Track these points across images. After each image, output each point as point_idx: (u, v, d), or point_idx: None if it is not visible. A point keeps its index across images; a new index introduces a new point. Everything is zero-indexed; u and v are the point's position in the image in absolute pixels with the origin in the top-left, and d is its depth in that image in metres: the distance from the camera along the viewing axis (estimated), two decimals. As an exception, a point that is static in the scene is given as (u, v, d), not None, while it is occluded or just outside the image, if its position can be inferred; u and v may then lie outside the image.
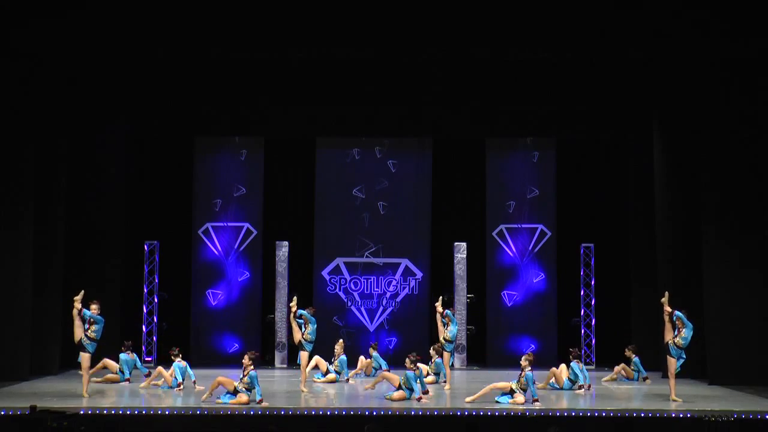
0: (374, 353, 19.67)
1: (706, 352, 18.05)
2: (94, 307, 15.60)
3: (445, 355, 17.35)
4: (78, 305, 15.44)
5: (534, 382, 15.08)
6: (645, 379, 18.66)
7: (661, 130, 19.98)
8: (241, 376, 14.94)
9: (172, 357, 17.52)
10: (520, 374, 15.06)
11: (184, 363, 17.43)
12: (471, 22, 18.77)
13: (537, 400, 14.80)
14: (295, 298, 17.20)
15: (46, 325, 18.61)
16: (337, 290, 22.26)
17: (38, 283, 18.28)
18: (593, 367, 21.34)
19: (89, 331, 15.51)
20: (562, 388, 17.19)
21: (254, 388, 14.70)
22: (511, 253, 22.40)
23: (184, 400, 15.60)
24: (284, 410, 14.14)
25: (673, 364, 15.40)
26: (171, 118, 21.88)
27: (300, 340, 16.80)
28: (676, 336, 15.44)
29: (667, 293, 16.00)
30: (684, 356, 15.46)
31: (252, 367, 14.94)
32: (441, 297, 18.05)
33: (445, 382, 17.30)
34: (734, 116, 17.87)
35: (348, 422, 13.43)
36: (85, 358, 15.57)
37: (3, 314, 17.69)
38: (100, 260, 20.60)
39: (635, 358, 18.97)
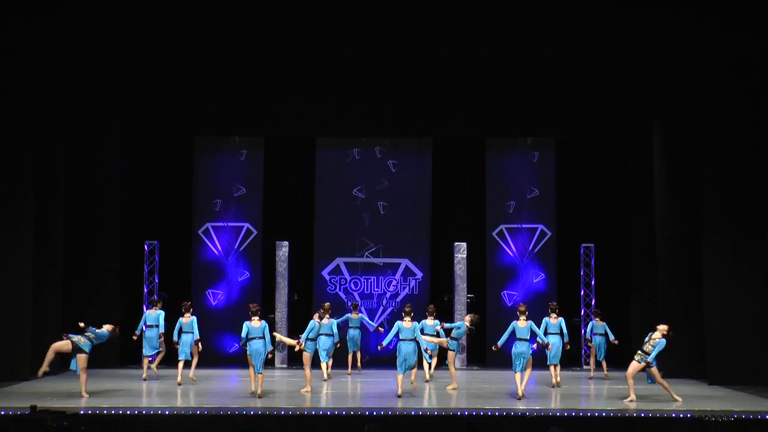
0: (356, 316, 20.28)
1: (706, 353, 18.04)
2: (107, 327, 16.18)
3: (450, 354, 17.39)
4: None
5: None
6: (614, 341, 19.33)
7: (661, 130, 19.96)
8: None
9: (183, 310, 18.16)
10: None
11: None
12: (471, 22, 18.72)
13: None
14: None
15: (46, 326, 18.55)
16: (338, 290, 22.24)
17: (38, 284, 18.25)
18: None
19: (89, 335, 15.60)
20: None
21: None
22: (511, 253, 22.39)
23: (184, 400, 15.56)
24: (284, 410, 14.11)
25: (655, 372, 15.44)
26: (171, 117, 21.85)
27: (299, 342, 16.91)
28: (646, 342, 15.53)
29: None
30: (647, 360, 15.41)
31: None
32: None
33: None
34: (734, 116, 17.84)
35: (348, 422, 13.40)
36: (81, 359, 15.58)
37: (3, 314, 17.66)
38: (100, 260, 20.60)
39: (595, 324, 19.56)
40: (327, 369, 18.38)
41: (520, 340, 15.94)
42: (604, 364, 19.63)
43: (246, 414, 13.81)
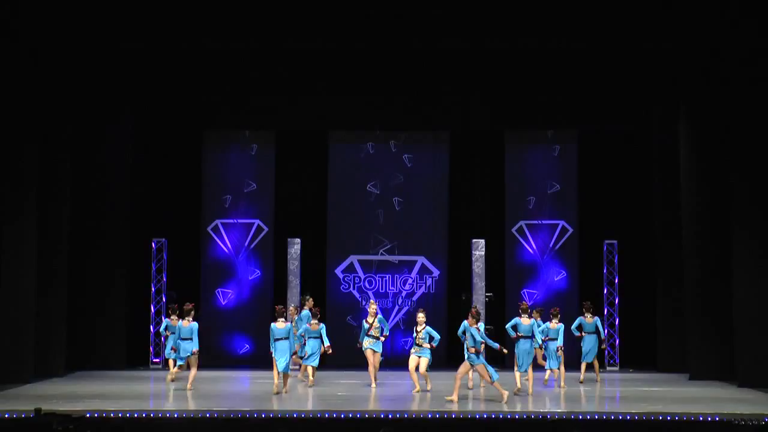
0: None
1: (735, 354, 17.94)
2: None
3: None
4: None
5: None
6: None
7: (688, 122, 19.83)
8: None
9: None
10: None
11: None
12: (489, 10, 18.70)
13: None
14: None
15: (51, 326, 18.63)
16: (351, 289, 22.25)
17: (42, 283, 18.28)
18: (617, 368, 21.25)
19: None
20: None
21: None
22: (531, 250, 22.34)
23: (194, 403, 15.59)
24: (296, 413, 14.13)
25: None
26: (178, 111, 21.85)
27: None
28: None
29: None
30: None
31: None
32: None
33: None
34: (766, 106, 17.69)
35: (362, 426, 13.42)
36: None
37: (6, 315, 17.68)
38: (107, 259, 20.63)
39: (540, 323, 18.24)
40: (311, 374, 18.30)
41: (523, 337, 16.81)
42: (596, 364, 19.20)
43: (258, 417, 13.84)
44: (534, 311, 17.95)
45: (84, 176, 20.39)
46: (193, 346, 17.02)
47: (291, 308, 19.30)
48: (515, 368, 17.17)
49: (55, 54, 18.57)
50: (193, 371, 17.10)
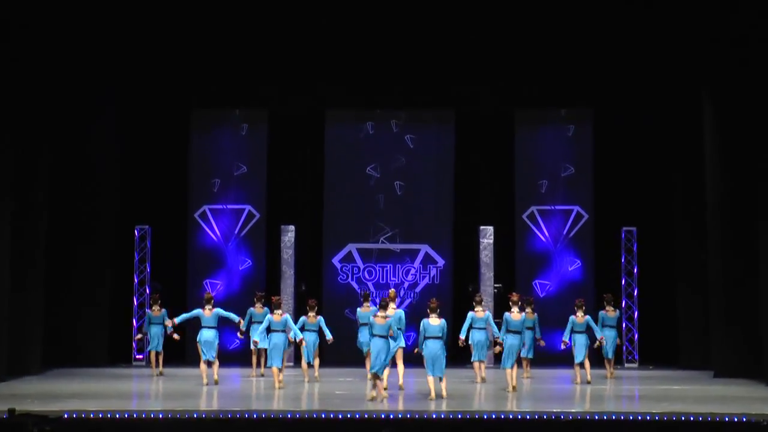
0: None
1: (762, 350, 17.82)
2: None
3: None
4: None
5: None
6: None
7: (712, 102, 19.65)
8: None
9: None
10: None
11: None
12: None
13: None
14: None
15: (26, 321, 18.50)
16: (350, 280, 22.18)
17: (17, 275, 18.05)
18: (636, 365, 21.16)
19: None
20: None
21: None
22: (543, 238, 22.27)
23: (179, 402, 15.49)
24: (291, 413, 14.03)
25: None
26: (165, 89, 21.76)
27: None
28: None
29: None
30: None
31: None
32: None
33: None
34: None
35: (362, 426, 13.35)
36: None
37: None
38: (86, 248, 20.61)
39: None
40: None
41: (512, 332, 16.62)
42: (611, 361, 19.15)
43: (248, 418, 13.75)
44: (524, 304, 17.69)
45: (64, 162, 20.32)
46: (217, 336, 17.53)
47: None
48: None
49: (33, 35, 18.33)
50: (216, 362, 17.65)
